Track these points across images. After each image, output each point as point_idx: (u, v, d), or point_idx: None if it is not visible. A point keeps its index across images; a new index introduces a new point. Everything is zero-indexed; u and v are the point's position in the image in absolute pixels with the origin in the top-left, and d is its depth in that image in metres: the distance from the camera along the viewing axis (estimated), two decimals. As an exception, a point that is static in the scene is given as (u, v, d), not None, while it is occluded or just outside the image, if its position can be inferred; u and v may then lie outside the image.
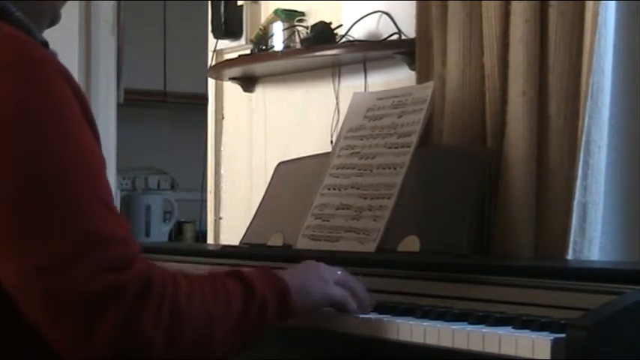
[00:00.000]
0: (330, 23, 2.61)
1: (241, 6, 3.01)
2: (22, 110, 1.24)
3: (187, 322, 1.28)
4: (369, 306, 1.55)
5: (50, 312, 1.22)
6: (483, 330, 1.35)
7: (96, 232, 1.23)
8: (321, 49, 2.57)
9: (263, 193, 2.41)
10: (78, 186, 1.25)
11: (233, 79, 3.00)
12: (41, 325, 1.24)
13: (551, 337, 1.26)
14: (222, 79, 3.08)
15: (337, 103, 2.68)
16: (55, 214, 1.22)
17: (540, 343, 1.26)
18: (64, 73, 1.30)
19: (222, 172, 3.17)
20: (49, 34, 1.48)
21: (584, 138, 1.93)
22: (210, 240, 3.23)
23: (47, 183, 1.23)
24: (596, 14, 1.93)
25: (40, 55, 1.29)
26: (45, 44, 1.39)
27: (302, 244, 2.07)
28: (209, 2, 3.08)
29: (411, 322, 1.44)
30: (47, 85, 1.27)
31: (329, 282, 1.51)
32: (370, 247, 1.92)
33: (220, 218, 3.18)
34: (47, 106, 1.26)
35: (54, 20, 1.48)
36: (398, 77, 2.48)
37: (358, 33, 2.57)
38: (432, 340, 1.40)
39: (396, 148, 2.03)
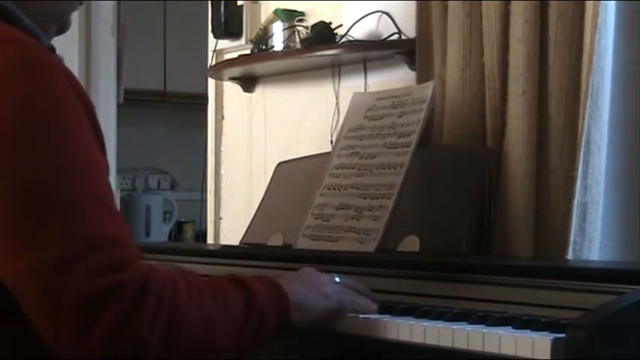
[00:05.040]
0: (330, 23, 2.61)
1: (241, 6, 3.01)
2: (25, 113, 1.25)
3: (185, 326, 1.27)
4: (373, 304, 1.56)
5: (47, 311, 1.22)
6: (483, 330, 1.34)
7: (95, 233, 1.24)
8: (321, 49, 2.57)
9: (263, 193, 2.41)
10: (77, 188, 1.25)
11: (233, 79, 2.99)
12: (38, 324, 1.24)
13: (551, 337, 1.26)
14: (222, 79, 3.08)
15: (337, 103, 2.67)
16: (54, 216, 1.23)
17: (540, 343, 1.26)
18: (70, 78, 1.31)
19: (222, 172, 3.17)
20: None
21: (584, 138, 1.93)
22: (210, 240, 3.22)
23: (46, 185, 1.23)
24: (596, 14, 1.93)
25: (47, 59, 1.30)
26: (52, 50, 1.40)
27: (302, 244, 2.07)
28: (209, 2, 3.08)
29: (411, 322, 1.44)
30: (51, 90, 1.27)
31: (328, 297, 1.51)
32: (370, 247, 1.92)
33: (220, 218, 3.18)
34: (50, 109, 1.26)
35: (63, 27, 1.48)
36: (398, 77, 2.48)
37: (358, 33, 2.57)
38: (432, 340, 1.40)
39: (396, 148, 2.03)
